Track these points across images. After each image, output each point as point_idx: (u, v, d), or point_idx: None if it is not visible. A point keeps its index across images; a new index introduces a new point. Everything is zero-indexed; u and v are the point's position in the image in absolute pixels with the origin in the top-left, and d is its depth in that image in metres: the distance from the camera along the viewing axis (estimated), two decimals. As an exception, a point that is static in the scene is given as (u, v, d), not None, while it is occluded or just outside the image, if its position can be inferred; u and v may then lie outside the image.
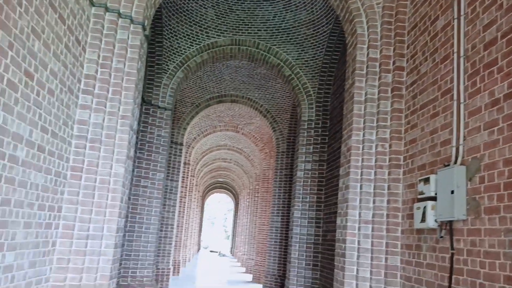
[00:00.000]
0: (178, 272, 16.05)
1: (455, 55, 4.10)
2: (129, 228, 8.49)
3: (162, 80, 9.09)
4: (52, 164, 4.41)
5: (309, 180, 9.19)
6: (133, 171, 8.41)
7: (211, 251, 41.83)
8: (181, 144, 12.77)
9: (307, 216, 9.09)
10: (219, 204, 66.35)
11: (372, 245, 5.16)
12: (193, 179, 19.79)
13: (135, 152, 8.51)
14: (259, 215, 16.64)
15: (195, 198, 23.26)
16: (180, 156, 12.72)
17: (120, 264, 8.16)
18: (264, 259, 14.87)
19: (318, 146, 9.25)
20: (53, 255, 4.67)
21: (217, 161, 23.02)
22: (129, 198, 8.38)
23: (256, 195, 19.82)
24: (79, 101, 4.95)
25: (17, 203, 3.77)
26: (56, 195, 4.58)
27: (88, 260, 4.91)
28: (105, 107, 5.13)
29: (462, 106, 3.89)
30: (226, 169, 26.22)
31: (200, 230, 36.91)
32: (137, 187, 8.64)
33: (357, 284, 5.18)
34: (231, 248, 38.93)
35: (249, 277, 18.12)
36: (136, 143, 8.49)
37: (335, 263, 5.71)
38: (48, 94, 4.17)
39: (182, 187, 15.78)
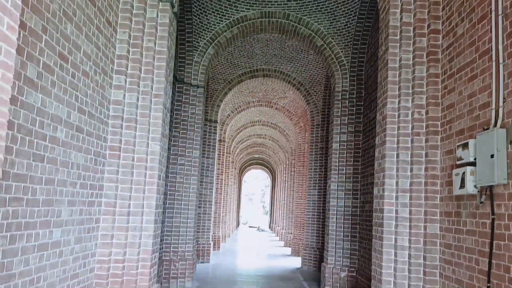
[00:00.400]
0: (219, 247, 16.43)
1: (493, 13, 3.90)
2: (168, 205, 8.71)
3: (193, 58, 9.13)
4: (91, 144, 4.55)
5: (345, 151, 9.09)
6: (169, 149, 8.58)
7: (250, 227, 42.43)
8: (215, 122, 12.87)
9: (344, 187, 9.04)
10: (257, 181, 66.90)
11: (410, 214, 5.09)
12: (229, 156, 19.98)
13: (171, 130, 8.65)
14: (296, 190, 16.68)
15: (232, 175, 23.52)
16: (215, 133, 12.84)
17: (162, 239, 8.41)
18: (302, 233, 14.97)
19: (353, 116, 9.11)
20: (98, 232, 4.86)
21: (252, 138, 23.10)
22: (167, 176, 8.57)
23: (292, 169, 19.84)
24: (113, 81, 5.05)
25: (60, 182, 3.93)
26: (97, 174, 4.73)
27: (131, 235, 5.09)
28: (138, 87, 5.22)
29: (501, 66, 3.72)
30: (261, 145, 26.29)
31: (238, 207, 37.43)
32: (174, 165, 8.82)
33: (395, 253, 5.15)
34: (270, 223, 39.36)
35: (288, 250, 18.33)
36: (171, 121, 8.63)
37: (373, 233, 5.68)
38: (83, 76, 4.27)
39: (218, 164, 15.98)
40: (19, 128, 3.25)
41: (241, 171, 36.01)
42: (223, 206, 17.88)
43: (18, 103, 3.23)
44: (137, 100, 5.20)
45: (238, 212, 37.40)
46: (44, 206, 3.66)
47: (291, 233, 18.32)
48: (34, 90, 3.44)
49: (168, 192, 8.73)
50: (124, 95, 5.11)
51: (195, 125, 9.03)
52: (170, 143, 8.71)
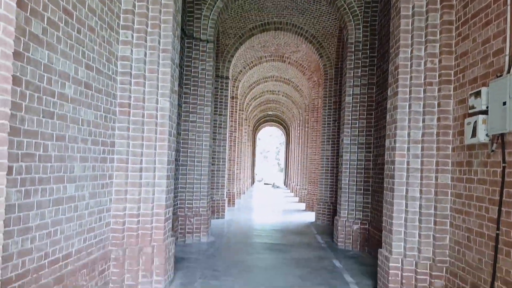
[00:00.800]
0: (234, 203, 16.70)
1: (511, -47, 3.71)
2: (181, 162, 8.81)
3: (202, 12, 8.94)
4: (100, 101, 4.56)
5: (358, 105, 8.99)
6: (180, 106, 8.58)
7: (265, 184, 42.93)
8: (227, 78, 12.76)
9: (357, 141, 8.99)
10: (271, 138, 67.05)
11: (421, 165, 5.07)
12: (242, 113, 19.96)
13: (181, 87, 8.62)
14: (310, 146, 16.69)
15: (245, 132, 23.59)
16: (227, 90, 12.76)
17: (176, 196, 8.57)
18: (316, 188, 15.09)
19: (367, 69, 8.94)
20: (112, 187, 4.96)
21: (265, 94, 22.95)
22: (179, 133, 8.62)
23: (306, 125, 19.78)
24: (119, 37, 5.00)
25: (72, 139, 3.98)
26: (108, 131, 4.78)
27: (144, 191, 5.19)
28: (146, 42, 5.16)
29: (518, 9, 3.57)
30: (274, 102, 26.14)
31: (253, 164, 37.75)
32: (186, 122, 8.84)
33: (406, 204, 5.17)
34: (285, 179, 39.73)
35: (302, 206, 18.56)
36: (181, 78, 8.58)
37: (384, 185, 5.70)
38: (88, 31, 4.23)
39: (231, 121, 15.98)
40: (27, 85, 3.27)
41: (255, 129, 36.06)
42: (237, 163, 18.04)
43: (25, 60, 3.23)
44: (145, 55, 5.16)
45: (253, 169, 37.75)
46: (56, 162, 3.72)
47: (306, 188, 18.50)
48: (40, 46, 3.43)
49: (181, 149, 8.81)
50: (132, 50, 5.07)
51: (206, 81, 8.97)
52: (181, 100, 8.70)
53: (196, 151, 8.95)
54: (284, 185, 39.20)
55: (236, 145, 17.16)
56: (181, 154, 8.79)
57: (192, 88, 8.87)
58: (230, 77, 13.15)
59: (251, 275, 6.47)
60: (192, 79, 8.86)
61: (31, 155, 3.35)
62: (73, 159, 4.02)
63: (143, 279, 5.13)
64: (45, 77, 3.51)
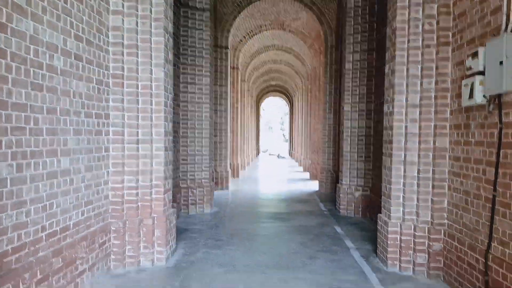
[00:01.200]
0: (238, 174, 16.76)
1: None
2: (182, 133, 8.78)
3: (196, -21, 8.74)
4: (92, 72, 4.51)
5: (358, 71, 8.86)
6: (178, 77, 8.49)
7: (270, 154, 43.03)
8: (226, 48, 12.59)
9: (357, 108, 8.91)
10: (276, 109, 66.83)
11: (419, 129, 5.02)
12: (244, 84, 19.79)
13: (179, 58, 8.50)
14: (313, 115, 16.61)
15: (248, 103, 23.47)
16: (227, 60, 12.61)
17: (178, 168, 8.58)
18: (320, 157, 15.09)
19: (366, 34, 8.76)
20: (108, 160, 4.96)
21: (267, 64, 22.70)
22: (178, 105, 8.56)
23: (309, 94, 19.63)
24: (110, 6, 4.89)
25: (64, 112, 3.94)
26: (102, 103, 4.74)
27: (142, 163, 5.18)
28: (137, 11, 5.05)
29: (516, -36, 3.44)
30: (277, 71, 25.88)
31: (257, 135, 37.74)
32: (185, 93, 8.77)
33: (404, 169, 5.15)
34: (289, 150, 39.79)
35: (307, 175, 18.62)
36: (178, 48, 8.45)
37: (383, 151, 5.66)
38: (76, 1, 4.14)
39: (233, 92, 15.87)
40: (12, 57, 3.22)
41: (259, 99, 35.86)
42: (240, 134, 18.01)
43: (9, 31, 3.17)
44: (137, 25, 5.05)
45: (257, 140, 37.75)
46: (48, 135, 3.70)
47: (309, 158, 18.52)
48: (24, 17, 3.36)
49: (181, 121, 8.76)
50: (123, 20, 4.97)
51: (204, 51, 8.84)
52: (179, 70, 8.60)
53: (196, 122, 8.91)
54: (289, 155, 39.30)
55: (239, 116, 17.09)
56: (181, 125, 8.76)
57: (190, 58, 8.75)
58: (229, 47, 12.98)
59: (254, 244, 6.53)
60: (189, 49, 8.73)
61: (21, 128, 3.33)
62: (66, 132, 4.00)
63: (144, 250, 5.19)
64: (32, 49, 3.45)
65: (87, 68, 4.40)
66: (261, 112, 45.55)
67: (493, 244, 3.76)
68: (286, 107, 49.83)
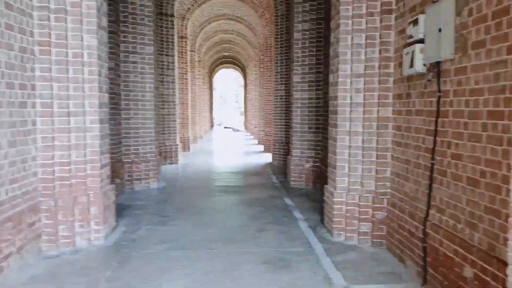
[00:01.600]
0: (188, 148, 16.39)
1: None
2: (124, 106, 8.37)
3: None
4: (13, 39, 4.10)
5: (307, 41, 8.71)
6: (118, 46, 8.02)
7: (225, 128, 42.68)
8: (172, 16, 12.04)
9: (307, 79, 8.80)
10: (230, 81, 66.14)
11: (364, 99, 4.96)
12: (194, 54, 19.26)
13: (118, 25, 8.02)
14: (266, 86, 16.43)
15: (199, 74, 22.95)
16: (173, 29, 12.10)
17: (120, 142, 8.21)
18: (272, 129, 15.02)
19: (315, 2, 8.59)
20: (36, 134, 4.60)
21: (218, 34, 22.15)
22: (119, 75, 8.12)
23: (262, 65, 19.39)
24: (31, -34, 4.44)
25: (-23, 82, 3.57)
26: (26, 73, 4.35)
27: (74, 137, 4.86)
28: (63, -29, 4.62)
29: None
30: (229, 42, 25.37)
31: (211, 107, 37.25)
32: (126, 63, 8.32)
33: (350, 139, 5.10)
34: (245, 122, 39.62)
35: (261, 148, 18.57)
36: (118, 15, 7.96)
37: (329, 121, 5.59)
38: (-13, -42, 3.70)
39: (181, 63, 15.33)
40: None
41: (212, 71, 35.23)
42: (191, 106, 17.60)
43: None
44: (65, -13, 4.64)
45: (211, 113, 37.30)
46: (-42, 107, 3.34)
47: (263, 130, 18.44)
48: None
49: (123, 93, 8.33)
50: (48, -19, 4.54)
51: (146, 19, 8.38)
52: (119, 39, 8.13)
53: (139, 94, 8.50)
54: (245, 128, 39.15)
55: (189, 87, 16.64)
56: (123, 97, 8.33)
57: (131, 26, 8.27)
58: (175, 15, 12.45)
59: (203, 218, 6.38)
60: (130, 16, 8.25)
61: None
62: (-18, 105, 3.63)
63: (80, 229, 4.92)
64: None
65: (7, 34, 3.99)
66: (215, 84, 44.94)
67: (431, 212, 3.78)
68: (241, 79, 49.40)
